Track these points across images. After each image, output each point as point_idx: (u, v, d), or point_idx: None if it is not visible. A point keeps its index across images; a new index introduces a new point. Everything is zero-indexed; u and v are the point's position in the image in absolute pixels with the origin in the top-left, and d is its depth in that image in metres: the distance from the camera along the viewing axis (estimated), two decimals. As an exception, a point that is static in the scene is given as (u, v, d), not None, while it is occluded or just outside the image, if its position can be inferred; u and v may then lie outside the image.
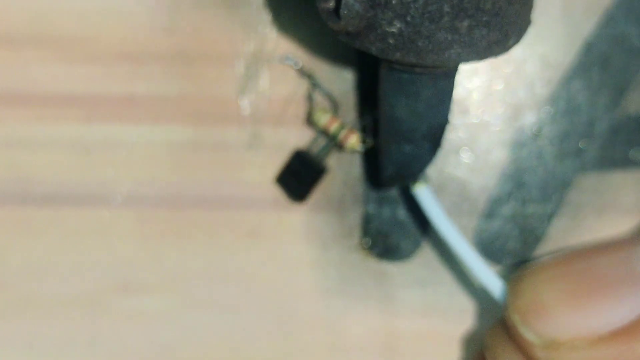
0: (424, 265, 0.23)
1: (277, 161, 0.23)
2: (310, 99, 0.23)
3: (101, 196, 0.23)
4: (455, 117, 0.22)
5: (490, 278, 0.20)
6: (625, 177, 0.22)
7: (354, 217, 0.23)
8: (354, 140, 0.22)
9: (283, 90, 0.23)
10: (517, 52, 0.22)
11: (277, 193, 0.23)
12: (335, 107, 0.22)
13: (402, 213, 0.23)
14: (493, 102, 0.22)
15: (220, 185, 0.23)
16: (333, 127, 0.22)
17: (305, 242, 0.23)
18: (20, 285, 0.24)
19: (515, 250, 0.22)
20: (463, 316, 0.23)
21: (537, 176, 0.22)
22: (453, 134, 0.22)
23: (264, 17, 0.23)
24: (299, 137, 0.23)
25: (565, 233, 0.22)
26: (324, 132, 0.22)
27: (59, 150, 0.23)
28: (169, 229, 0.23)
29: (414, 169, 0.21)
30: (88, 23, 0.23)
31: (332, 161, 0.23)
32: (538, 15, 0.22)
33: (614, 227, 0.22)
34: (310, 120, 0.22)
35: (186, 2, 0.23)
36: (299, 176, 0.22)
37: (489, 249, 0.23)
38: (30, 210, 0.23)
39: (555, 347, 0.17)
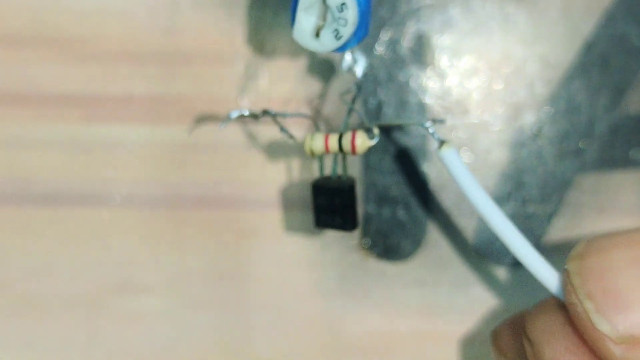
0: (424, 265, 0.23)
1: (277, 161, 0.23)
2: (287, 135, 0.21)
3: (100, 196, 0.23)
4: (455, 117, 0.22)
5: (520, 242, 0.18)
6: (625, 177, 0.22)
7: (354, 217, 0.23)
8: (362, 139, 0.19)
9: (283, 90, 0.23)
10: (517, 52, 0.22)
11: (277, 193, 0.23)
12: (320, 124, 0.21)
13: (402, 213, 0.23)
14: (493, 102, 0.22)
15: (220, 185, 0.23)
16: (332, 141, 0.20)
17: (305, 242, 0.23)
18: (20, 285, 0.24)
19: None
20: (463, 316, 0.23)
21: (537, 176, 0.22)
22: (453, 134, 0.22)
23: (264, 18, 0.23)
24: (298, 137, 0.23)
25: (565, 233, 0.22)
26: (327, 152, 0.20)
27: (59, 150, 0.23)
28: (168, 229, 0.23)
29: None
30: (88, 23, 0.23)
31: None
32: (538, 15, 0.22)
33: (614, 227, 0.22)
34: (309, 153, 0.20)
35: (186, 2, 0.23)
36: (335, 207, 0.20)
37: (489, 249, 0.23)
38: (29, 210, 0.23)
39: (635, 342, 0.15)
